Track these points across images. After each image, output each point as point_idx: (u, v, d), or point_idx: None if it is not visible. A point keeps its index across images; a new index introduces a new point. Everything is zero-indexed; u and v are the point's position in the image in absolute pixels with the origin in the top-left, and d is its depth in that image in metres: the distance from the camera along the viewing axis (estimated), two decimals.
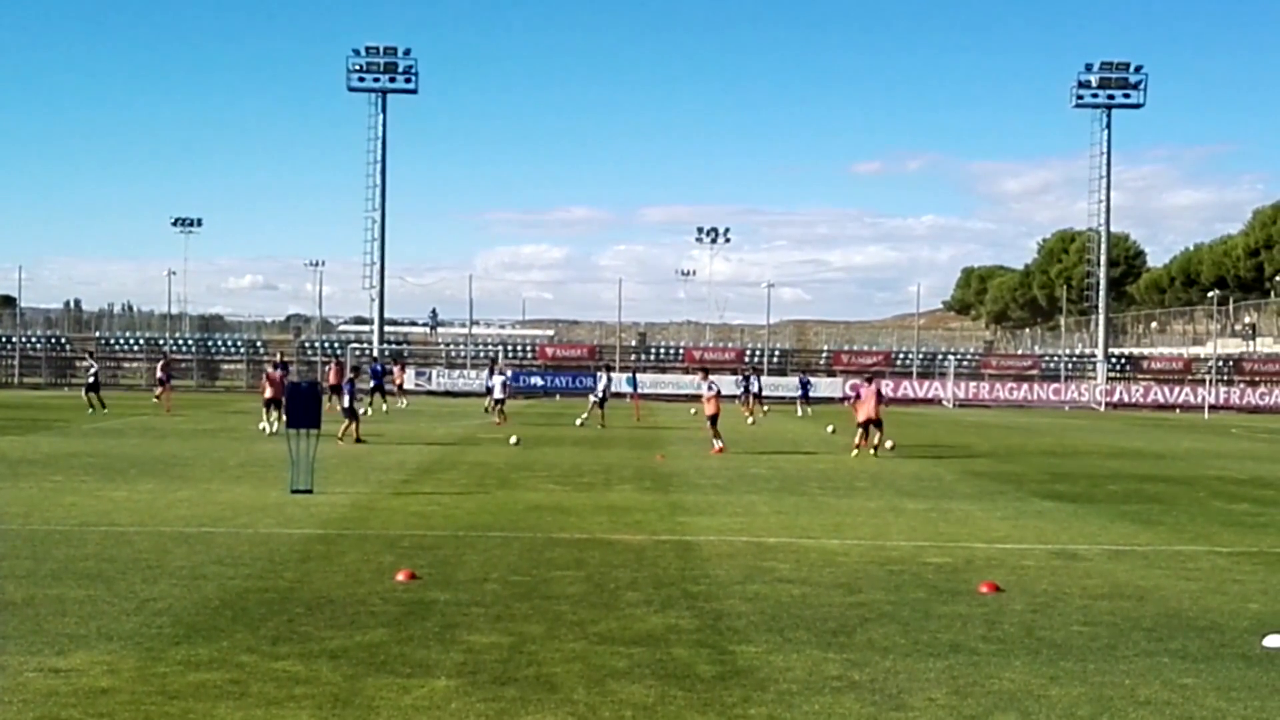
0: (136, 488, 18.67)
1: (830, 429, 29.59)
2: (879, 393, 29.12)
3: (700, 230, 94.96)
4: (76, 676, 7.86)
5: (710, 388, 29.86)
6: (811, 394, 53.22)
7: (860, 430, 28.21)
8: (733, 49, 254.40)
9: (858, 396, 28.63)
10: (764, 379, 54.65)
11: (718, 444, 28.33)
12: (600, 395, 39.28)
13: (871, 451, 27.83)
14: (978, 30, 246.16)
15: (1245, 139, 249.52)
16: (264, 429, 31.30)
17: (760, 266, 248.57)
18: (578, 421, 38.41)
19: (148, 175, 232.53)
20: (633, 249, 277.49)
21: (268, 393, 32.16)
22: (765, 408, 49.53)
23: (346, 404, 29.69)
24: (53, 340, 74.86)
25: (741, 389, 50.41)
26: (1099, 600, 11.23)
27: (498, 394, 38.95)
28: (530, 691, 7.73)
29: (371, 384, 44.99)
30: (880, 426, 28.34)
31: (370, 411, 40.92)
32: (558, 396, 66.40)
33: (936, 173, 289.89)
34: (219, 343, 76.74)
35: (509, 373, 49.66)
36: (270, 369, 33.88)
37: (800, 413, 50.26)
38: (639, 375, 56.21)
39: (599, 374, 41.84)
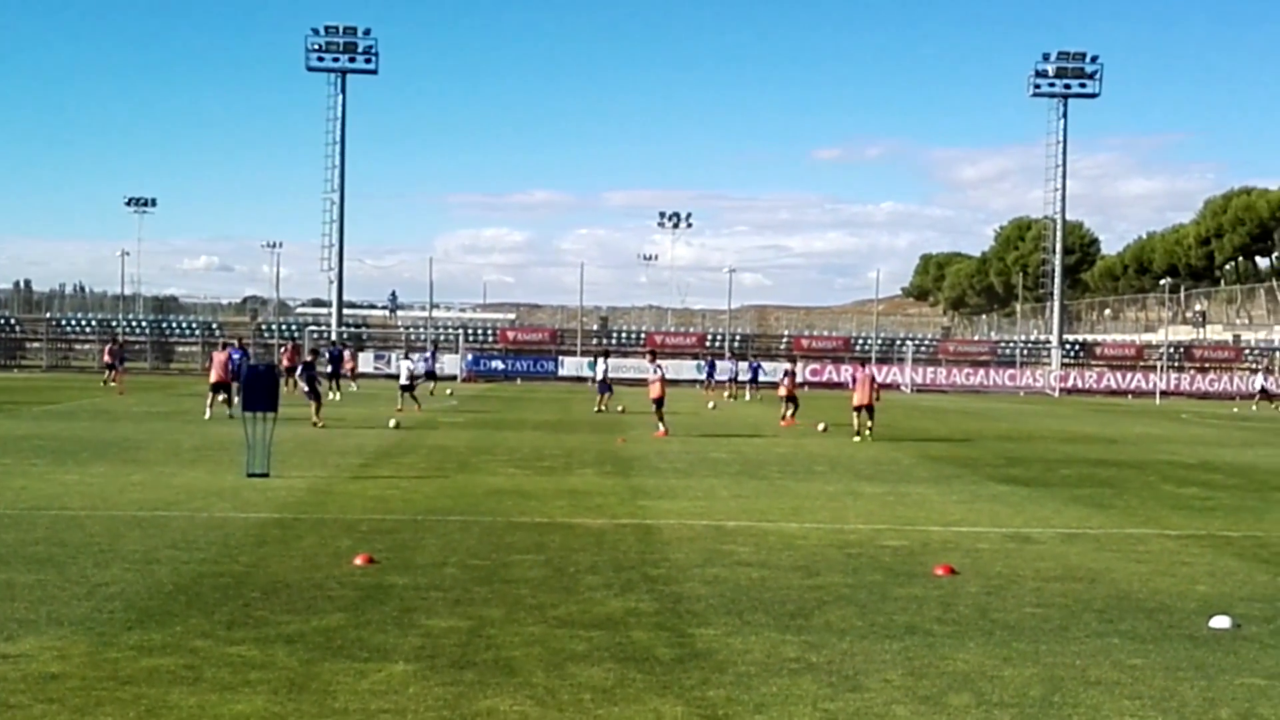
0: (89, 471, 18.46)
1: (823, 427, 30.57)
2: (873, 379, 29.81)
3: (662, 215, 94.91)
4: (25, 662, 7.76)
5: (656, 370, 29.94)
6: (761, 378, 53.40)
7: (854, 415, 29.13)
8: (694, 34, 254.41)
9: (854, 382, 29.27)
10: (741, 365, 55.03)
11: (661, 428, 28.34)
12: (599, 380, 39.24)
13: (856, 438, 28.19)
14: (938, 19, 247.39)
15: (1198, 129, 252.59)
16: (206, 415, 30.19)
17: (722, 251, 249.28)
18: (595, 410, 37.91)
19: (101, 154, 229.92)
20: (594, 233, 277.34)
21: (213, 376, 31.24)
22: (748, 394, 50.29)
23: (308, 388, 29.41)
24: (2, 321, 73.81)
25: (730, 375, 51.67)
26: (1052, 582, 11.35)
27: (404, 380, 37.00)
28: (489, 675, 7.72)
29: (330, 368, 44.45)
30: (871, 414, 28.84)
31: (335, 397, 40.67)
32: (519, 380, 66.27)
33: (896, 159, 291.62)
34: (174, 325, 75.95)
35: (426, 356, 49.67)
36: (218, 351, 33.08)
37: (749, 397, 50.50)
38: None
39: (597, 360, 41.95)
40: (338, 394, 41.50)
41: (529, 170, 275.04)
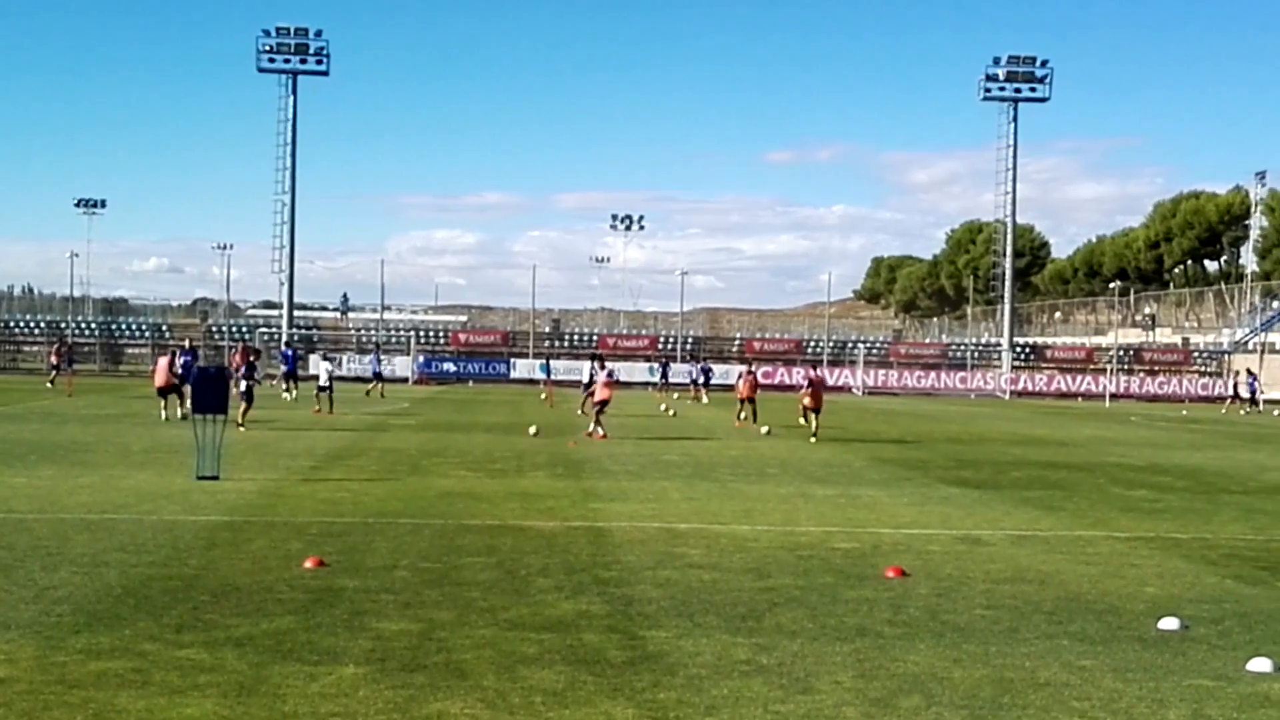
0: (36, 474, 18.21)
1: (766, 430, 30.87)
2: (820, 382, 30.89)
3: (615, 217, 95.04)
4: None
5: (609, 374, 29.98)
6: (712, 380, 53.56)
7: (801, 416, 30.39)
8: (646, 36, 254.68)
9: (809, 385, 29.73)
10: (680, 365, 55.24)
11: (599, 431, 28.31)
12: (588, 382, 39.10)
13: (811, 439, 28.67)
14: (889, 22, 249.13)
15: (1146, 133, 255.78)
16: (162, 417, 30.08)
17: (674, 254, 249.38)
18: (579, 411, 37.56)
19: (49, 155, 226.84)
20: (546, 235, 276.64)
21: (157, 381, 30.98)
22: (704, 396, 50.49)
23: (244, 388, 29.09)
24: None
25: (701, 377, 51.95)
26: (1001, 584, 11.47)
27: (322, 381, 36.00)
28: (440, 678, 7.70)
29: (284, 369, 44.06)
30: (818, 414, 29.57)
31: (289, 398, 40.43)
32: (471, 383, 66.04)
33: (847, 162, 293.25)
34: (123, 326, 74.96)
35: (371, 359, 49.65)
36: (162, 356, 32.59)
37: (704, 399, 50.63)
38: (552, 362, 56.18)
39: (592, 363, 42.06)
40: (293, 395, 41.11)
41: (481, 172, 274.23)
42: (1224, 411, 55.46)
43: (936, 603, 10.51)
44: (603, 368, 31.11)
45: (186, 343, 41.04)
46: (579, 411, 37.18)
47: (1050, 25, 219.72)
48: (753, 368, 37.53)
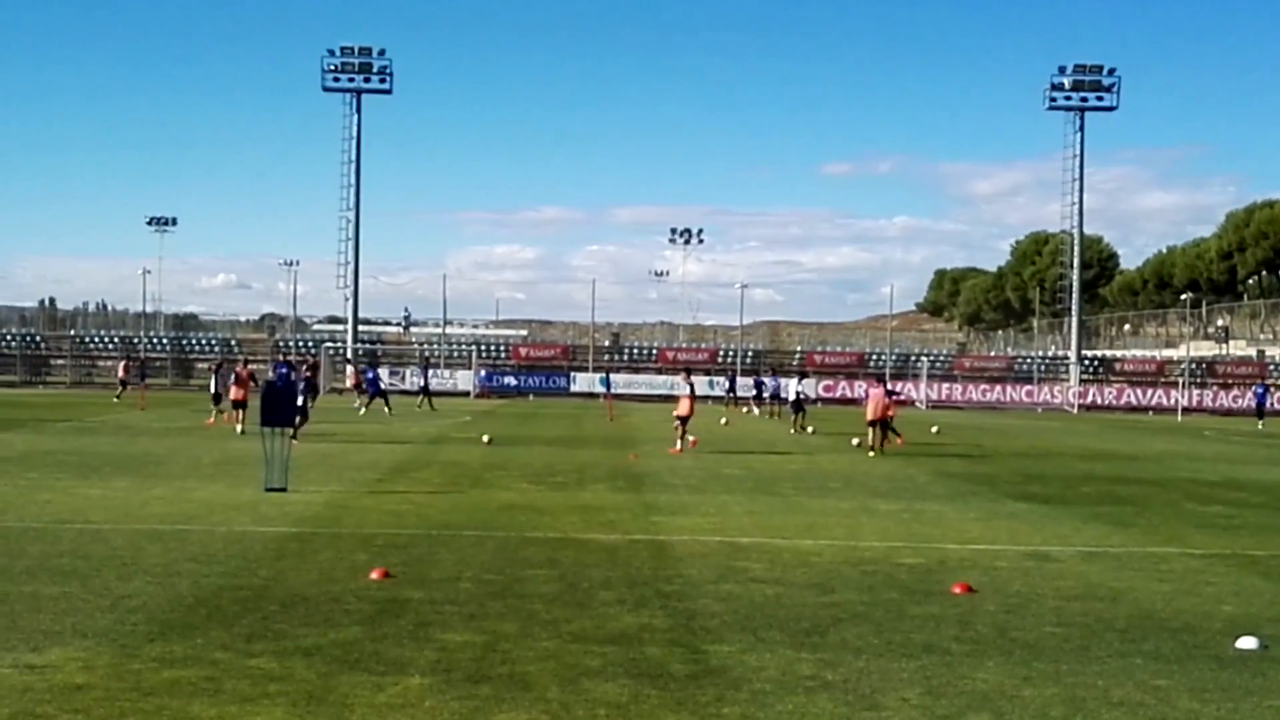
0: (111, 485, 18.56)
1: (810, 430, 31.01)
2: (887, 394, 30.44)
3: (674, 231, 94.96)
4: (52, 673, 7.83)
5: (688, 387, 29.95)
6: (765, 394, 53.02)
7: (870, 431, 29.45)
8: (703, 50, 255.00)
9: (866, 398, 29.59)
10: (753, 380, 54.74)
11: (679, 445, 28.31)
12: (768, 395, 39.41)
13: (870, 453, 28.60)
14: (947, 32, 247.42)
15: (1215, 141, 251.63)
16: (237, 430, 30.59)
17: (733, 267, 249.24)
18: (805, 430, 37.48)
19: (123, 174, 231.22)
20: (605, 249, 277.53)
21: (233, 394, 31.75)
22: (755, 409, 50.04)
23: (300, 401, 29.43)
24: (27, 338, 74.31)
25: (756, 391, 51.38)
26: (1072, 601, 11.31)
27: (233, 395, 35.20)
28: (504, 690, 7.74)
29: (371, 391, 44.55)
30: (884, 428, 29.38)
31: (389, 411, 41.41)
32: (531, 396, 66.35)
33: (907, 174, 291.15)
34: (193, 342, 76.28)
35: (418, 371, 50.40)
36: (240, 368, 33.37)
37: (756, 412, 50.21)
38: (612, 375, 56.31)
39: (766, 378, 42.73)
40: (377, 408, 41.75)
41: (539, 187, 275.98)
42: None
43: (1005, 620, 10.38)
44: (688, 382, 31.00)
45: (280, 356, 41.76)
46: (723, 421, 37.66)
47: (1113, 32, 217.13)
48: (886, 383, 32.89)
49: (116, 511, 15.64)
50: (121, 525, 14.42)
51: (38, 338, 75.03)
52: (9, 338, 73.42)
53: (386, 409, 41.89)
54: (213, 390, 36.22)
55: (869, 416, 29.58)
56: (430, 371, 52.33)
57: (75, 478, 19.54)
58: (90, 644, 8.62)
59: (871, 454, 28.38)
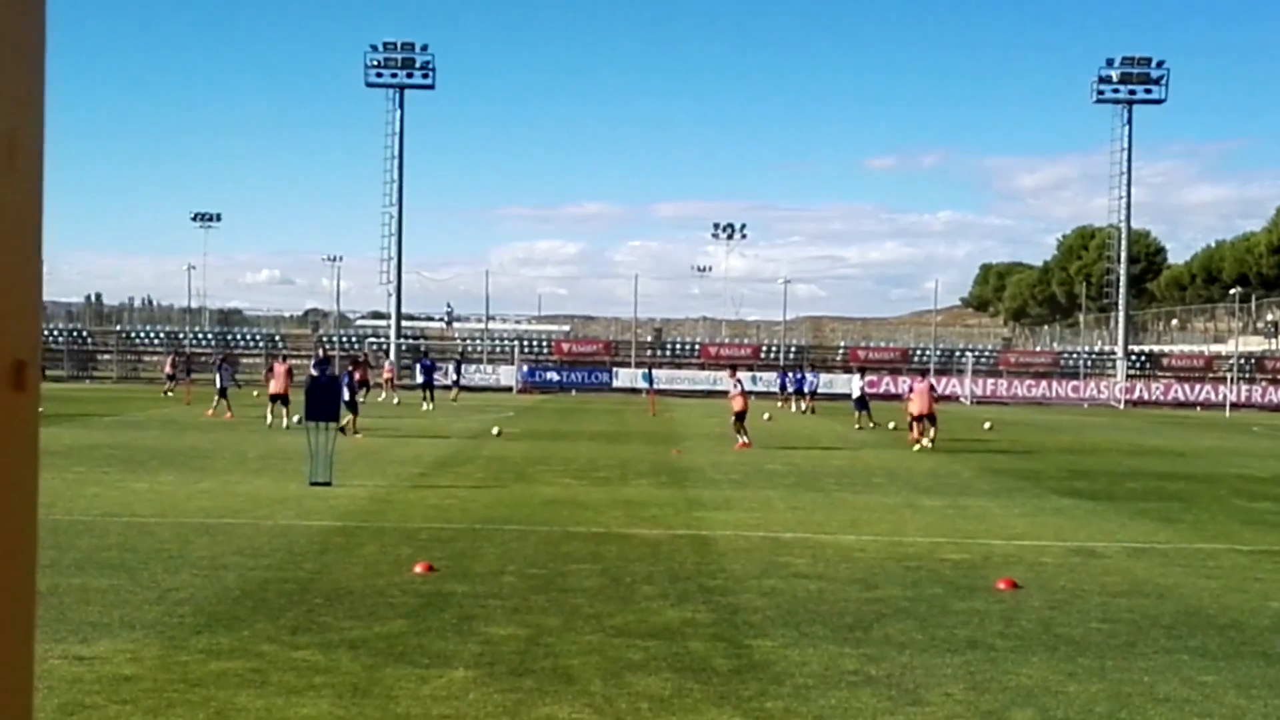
0: (158, 479, 18.78)
1: (873, 425, 31.58)
2: (931, 388, 30.57)
3: (716, 226, 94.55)
4: (100, 664, 7.93)
5: (737, 385, 30.00)
6: (806, 389, 52.65)
7: (913, 424, 29.65)
8: (745, 44, 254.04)
9: (911, 392, 29.62)
10: (792, 375, 54.35)
11: (742, 439, 28.44)
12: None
13: (915, 447, 28.60)
14: (993, 24, 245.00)
15: (1264, 135, 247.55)
16: (273, 424, 30.80)
17: (775, 262, 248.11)
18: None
19: (168, 170, 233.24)
20: (647, 245, 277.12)
21: (273, 387, 31.87)
22: (798, 405, 49.73)
23: (347, 397, 29.67)
24: (74, 333, 75.33)
25: (794, 387, 50.96)
26: (1118, 597, 11.20)
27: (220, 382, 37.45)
28: (547, 683, 7.77)
29: (421, 380, 45.51)
30: (933, 421, 29.31)
31: (428, 407, 41.88)
32: (574, 392, 66.49)
33: (952, 168, 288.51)
34: (238, 337, 77.03)
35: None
36: (279, 363, 33.71)
37: (793, 409, 49.94)
38: (654, 371, 56.31)
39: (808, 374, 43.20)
40: (431, 404, 42.34)
41: (581, 182, 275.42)
42: None
43: (1050, 615, 10.30)
44: (735, 379, 31.09)
45: (320, 352, 42.19)
46: (766, 417, 38.42)
47: (1163, 26, 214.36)
48: (915, 378, 33.39)
49: (163, 505, 15.82)
50: (168, 519, 14.59)
51: (84, 333, 76.09)
52: (56, 333, 74.41)
53: (424, 403, 42.33)
54: (218, 384, 36.97)
55: (917, 411, 29.57)
56: (464, 367, 52.93)
57: (122, 471, 19.79)
58: (138, 636, 8.72)
59: (916, 448, 28.36)
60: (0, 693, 0.97)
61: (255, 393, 43.32)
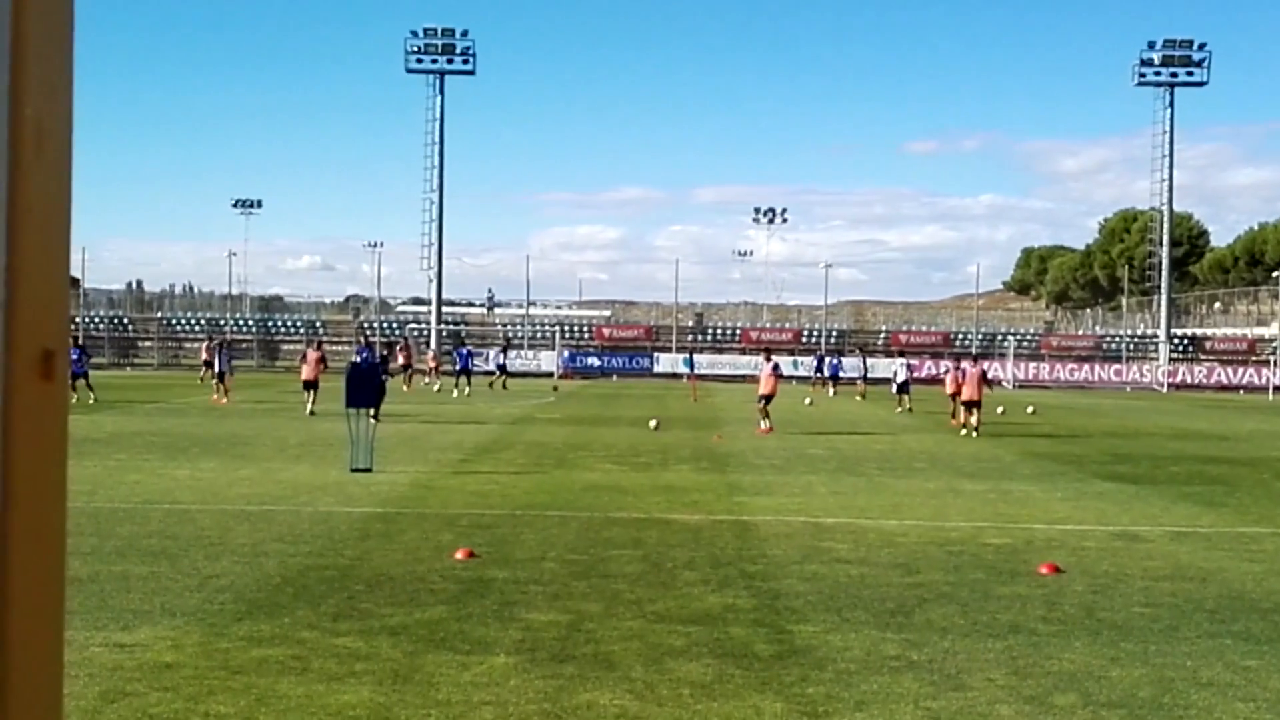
0: (198, 466, 18.94)
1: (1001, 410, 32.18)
2: (983, 374, 30.38)
3: (757, 210, 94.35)
4: (141, 651, 8.00)
5: (775, 368, 29.79)
6: (840, 374, 52.20)
7: (962, 409, 29.72)
8: (785, 27, 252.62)
9: (961, 375, 29.51)
10: (827, 360, 54.02)
11: (765, 424, 28.26)
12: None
13: (961, 432, 28.62)
14: (1032, 8, 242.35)
15: None
16: (307, 411, 30.69)
17: (816, 246, 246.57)
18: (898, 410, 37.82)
19: (209, 157, 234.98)
20: (687, 229, 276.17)
21: (305, 374, 31.93)
22: (831, 390, 49.48)
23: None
24: (115, 320, 76.06)
25: (830, 372, 50.71)
26: (1161, 582, 11.09)
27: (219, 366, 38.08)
28: (588, 669, 7.77)
29: (459, 366, 45.92)
30: (980, 407, 29.23)
31: (457, 394, 42.10)
32: (615, 377, 66.52)
33: (993, 151, 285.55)
34: (279, 323, 77.53)
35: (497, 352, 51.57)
36: (311, 350, 33.65)
37: (831, 393, 49.58)
38: (696, 356, 56.22)
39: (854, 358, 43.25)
40: (468, 390, 42.70)
41: (621, 167, 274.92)
42: None
43: (1093, 600, 10.21)
44: (769, 361, 30.87)
45: (363, 339, 42.43)
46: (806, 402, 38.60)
47: (1205, 7, 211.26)
48: (965, 362, 32.06)
49: (204, 492, 15.95)
50: (209, 506, 14.71)
51: (125, 320, 76.77)
52: (97, 320, 75.15)
53: (458, 389, 42.67)
54: (216, 369, 37.37)
55: (966, 396, 29.40)
56: (509, 353, 53.14)
57: (163, 459, 19.97)
58: (179, 623, 8.79)
59: (964, 432, 28.27)
60: (32, 679, 0.96)
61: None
